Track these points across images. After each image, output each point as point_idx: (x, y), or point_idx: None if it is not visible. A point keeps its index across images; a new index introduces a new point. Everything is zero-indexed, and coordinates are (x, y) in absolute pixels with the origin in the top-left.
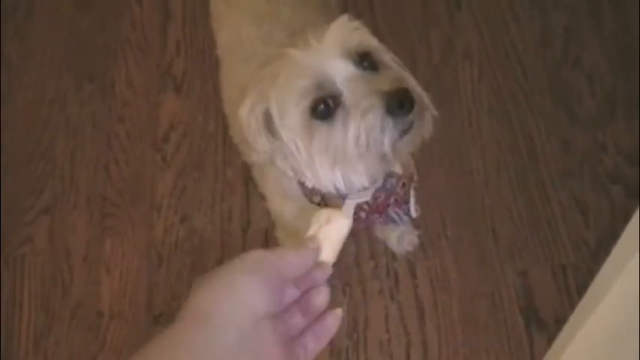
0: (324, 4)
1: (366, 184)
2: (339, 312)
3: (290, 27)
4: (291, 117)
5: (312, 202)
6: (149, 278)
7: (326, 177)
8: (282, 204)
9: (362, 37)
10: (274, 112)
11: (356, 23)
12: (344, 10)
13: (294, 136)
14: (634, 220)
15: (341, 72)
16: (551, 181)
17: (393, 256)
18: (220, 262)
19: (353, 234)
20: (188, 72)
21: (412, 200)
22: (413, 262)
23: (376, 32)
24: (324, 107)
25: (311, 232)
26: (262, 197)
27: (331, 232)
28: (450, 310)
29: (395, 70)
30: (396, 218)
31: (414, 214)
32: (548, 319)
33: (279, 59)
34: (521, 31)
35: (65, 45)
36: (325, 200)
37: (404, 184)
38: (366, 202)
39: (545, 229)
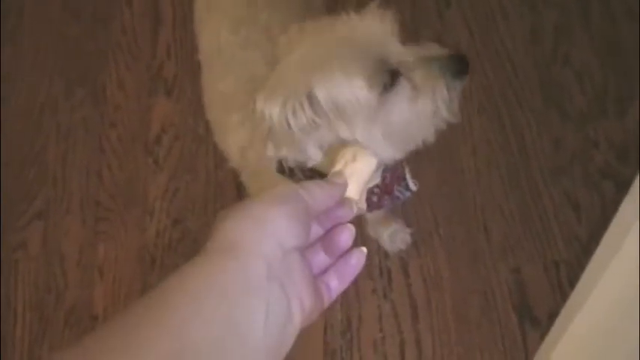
0: (305, 7)
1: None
2: (364, 250)
3: (268, 31)
4: (352, 98)
5: None
6: (143, 281)
7: (388, 150)
8: None
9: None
10: (322, 96)
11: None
12: (332, 10)
13: (354, 118)
14: (620, 214)
15: (394, 47)
16: (543, 178)
17: (386, 254)
18: None
19: None
20: (179, 75)
21: (408, 175)
22: (405, 260)
23: None
24: (386, 81)
25: (338, 167)
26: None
27: (357, 169)
28: (444, 308)
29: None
30: (400, 196)
31: (413, 187)
32: (541, 315)
33: (315, 52)
34: (510, 29)
35: (55, 50)
36: None
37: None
38: (377, 186)
39: (537, 226)
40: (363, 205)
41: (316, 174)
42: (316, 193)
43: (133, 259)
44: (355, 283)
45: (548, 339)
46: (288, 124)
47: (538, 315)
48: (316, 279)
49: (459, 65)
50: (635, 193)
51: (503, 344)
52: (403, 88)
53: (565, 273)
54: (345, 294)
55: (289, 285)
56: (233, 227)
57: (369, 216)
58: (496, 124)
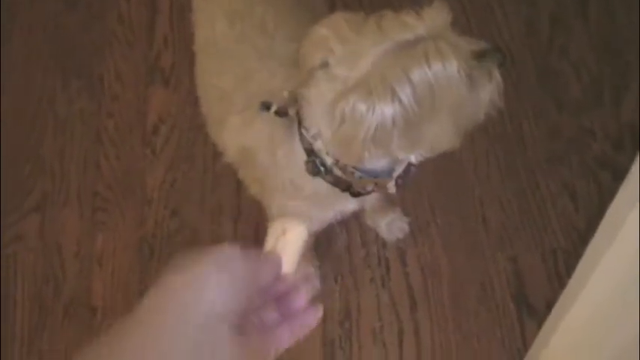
0: (300, 2)
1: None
2: (320, 309)
3: (263, 25)
4: (448, 84)
5: (365, 192)
6: (141, 272)
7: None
8: (295, 204)
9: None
10: (420, 92)
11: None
12: (331, 5)
13: (443, 105)
14: (616, 202)
15: (455, 40)
16: (540, 168)
17: (384, 244)
18: None
19: (344, 223)
20: (176, 65)
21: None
22: (403, 249)
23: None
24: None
25: (268, 246)
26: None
27: (289, 242)
28: (441, 297)
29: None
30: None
31: (415, 161)
32: (538, 304)
33: (396, 47)
34: (507, 20)
35: (52, 41)
36: (376, 185)
37: None
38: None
39: (535, 215)
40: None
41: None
42: (255, 269)
43: (131, 250)
44: (353, 272)
45: (545, 327)
46: (395, 120)
47: (535, 304)
48: (267, 332)
49: (502, 57)
50: (632, 182)
51: (500, 332)
52: (477, 79)
53: (563, 262)
54: (343, 284)
55: (219, 347)
56: (164, 291)
57: (367, 205)
58: (493, 115)
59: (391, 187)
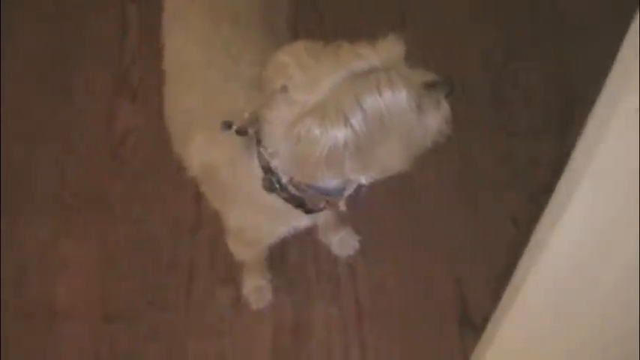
0: (267, 27)
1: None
2: None
3: (229, 50)
4: (397, 112)
5: (317, 209)
6: (102, 279)
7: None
8: (255, 218)
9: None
10: (371, 120)
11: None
12: (294, 30)
13: (392, 132)
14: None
15: (406, 71)
16: (488, 193)
17: (336, 260)
18: (171, 263)
19: (297, 238)
20: (144, 80)
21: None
22: (353, 266)
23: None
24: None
25: None
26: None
27: None
28: (388, 313)
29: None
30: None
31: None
32: (479, 321)
33: (352, 75)
34: (464, 50)
35: (25, 52)
36: (328, 203)
37: None
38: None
39: (481, 239)
40: None
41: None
42: None
43: (94, 256)
44: (305, 286)
45: (482, 342)
46: (346, 144)
47: (476, 321)
48: None
49: (450, 88)
50: (555, 202)
51: (443, 348)
52: (426, 109)
53: (504, 283)
54: (295, 297)
55: None
56: None
57: (321, 222)
58: (445, 141)
59: (342, 206)
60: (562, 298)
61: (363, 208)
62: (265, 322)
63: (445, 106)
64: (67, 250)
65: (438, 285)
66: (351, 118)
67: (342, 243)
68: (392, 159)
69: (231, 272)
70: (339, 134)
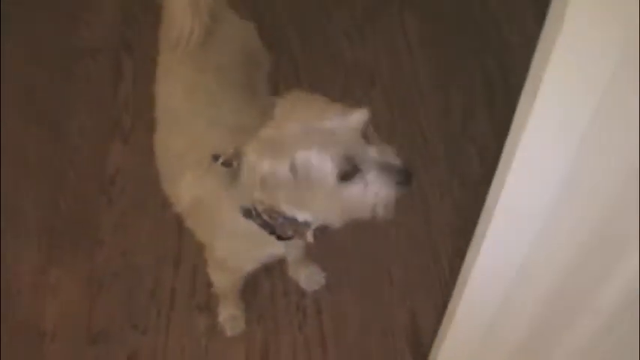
0: (248, 81)
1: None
2: None
3: (213, 99)
4: (320, 175)
5: (284, 237)
6: (89, 304)
7: (333, 219)
8: (232, 244)
9: (366, 114)
10: (300, 169)
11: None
12: (275, 86)
13: (316, 188)
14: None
15: (363, 151)
16: (442, 236)
17: (303, 293)
18: (154, 291)
19: (269, 273)
20: (135, 125)
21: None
22: (319, 299)
23: None
24: (346, 172)
25: None
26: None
27: None
28: (349, 342)
29: (382, 143)
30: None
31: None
32: (430, 345)
33: (308, 128)
34: (425, 107)
35: (24, 93)
36: (296, 232)
37: None
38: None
39: (433, 275)
40: None
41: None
42: None
43: (82, 284)
44: (274, 316)
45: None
46: (273, 178)
47: (427, 345)
48: None
49: (404, 178)
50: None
51: None
52: (357, 183)
53: None
54: (264, 326)
55: None
56: None
57: (290, 258)
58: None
59: (309, 237)
60: (487, 321)
61: (329, 247)
62: (238, 348)
63: (387, 190)
64: (57, 276)
65: (394, 315)
66: (283, 159)
67: (310, 279)
68: (320, 211)
69: (208, 301)
70: (269, 167)
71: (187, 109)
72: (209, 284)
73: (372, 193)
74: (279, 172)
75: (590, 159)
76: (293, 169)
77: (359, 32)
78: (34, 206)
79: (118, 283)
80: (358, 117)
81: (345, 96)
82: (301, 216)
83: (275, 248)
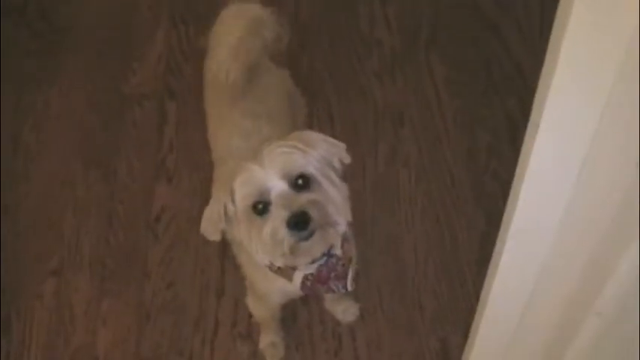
0: (292, 122)
1: (285, 266)
2: None
3: (268, 141)
4: (239, 208)
5: (272, 270)
6: (138, 332)
7: (257, 254)
8: (254, 271)
9: (301, 163)
10: (229, 207)
11: (298, 155)
12: (309, 125)
13: (241, 223)
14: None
15: (275, 187)
16: (469, 268)
17: (338, 322)
18: (198, 320)
19: (306, 303)
20: (179, 166)
21: (350, 277)
22: (354, 328)
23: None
24: (261, 207)
25: None
26: (238, 267)
27: None
28: None
29: (316, 185)
30: (335, 289)
31: (349, 288)
32: None
33: (240, 171)
34: (452, 146)
35: (76, 137)
36: (280, 270)
37: (344, 264)
38: (311, 274)
39: (462, 305)
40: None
41: None
42: None
43: (131, 314)
44: (311, 344)
45: None
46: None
47: None
48: None
49: (299, 222)
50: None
51: None
52: (267, 218)
53: None
54: (302, 352)
55: None
56: None
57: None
58: (434, 223)
59: (296, 282)
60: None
61: (362, 280)
62: None
63: (280, 232)
64: (108, 306)
65: (425, 343)
66: (231, 196)
67: (345, 312)
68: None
69: (250, 330)
70: (220, 203)
71: (244, 150)
72: (250, 314)
73: (273, 231)
74: (229, 207)
75: (590, 183)
76: (235, 206)
77: (389, 75)
78: (87, 242)
79: (165, 313)
80: (280, 157)
81: (377, 135)
82: (258, 257)
83: (288, 285)
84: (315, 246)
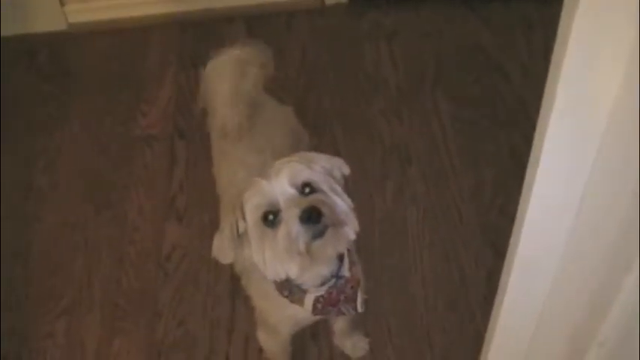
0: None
1: (300, 275)
2: None
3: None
4: (250, 224)
5: (282, 295)
6: None
7: (272, 268)
8: (264, 300)
9: (306, 173)
10: (240, 224)
11: (302, 166)
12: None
13: (253, 237)
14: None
15: (283, 195)
16: (477, 304)
17: (348, 357)
18: (209, 357)
19: (315, 339)
20: (189, 206)
21: (359, 299)
22: None
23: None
24: (272, 218)
25: None
26: (248, 304)
27: None
28: None
29: (322, 193)
30: (345, 312)
31: (359, 309)
32: None
33: (247, 186)
34: (458, 182)
35: (87, 179)
36: (291, 295)
37: (352, 287)
38: (322, 296)
39: (471, 341)
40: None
41: None
42: None
43: (142, 353)
44: None
45: None
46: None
47: None
48: None
49: (311, 215)
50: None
51: None
52: (279, 227)
53: None
54: None
55: None
56: None
57: (336, 328)
58: (443, 259)
59: (308, 304)
60: None
61: (369, 309)
62: None
63: (289, 223)
64: (120, 345)
65: None
66: (241, 212)
67: (354, 347)
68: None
69: None
70: (231, 222)
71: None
72: (261, 349)
73: (284, 231)
74: (237, 224)
75: (592, 213)
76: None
77: (395, 113)
78: (98, 282)
79: (176, 351)
80: (287, 170)
81: (384, 173)
82: (273, 272)
83: (299, 310)
84: (329, 245)
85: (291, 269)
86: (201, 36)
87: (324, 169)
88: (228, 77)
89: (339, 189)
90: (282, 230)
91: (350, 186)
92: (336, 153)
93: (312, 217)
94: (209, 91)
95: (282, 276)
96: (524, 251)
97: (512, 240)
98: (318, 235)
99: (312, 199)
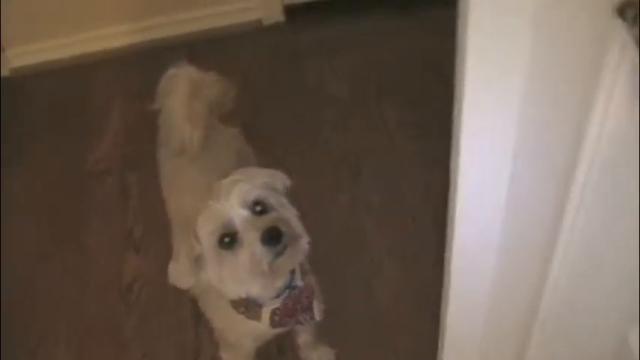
0: None
1: (262, 293)
2: None
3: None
4: (206, 247)
5: (239, 312)
6: None
7: (232, 288)
8: (222, 320)
9: (254, 191)
10: (196, 248)
11: (249, 186)
12: None
13: (209, 260)
14: None
15: (239, 218)
16: (440, 304)
17: None
18: None
19: (282, 354)
20: (145, 236)
21: (315, 308)
22: None
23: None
24: (228, 240)
25: None
26: (207, 322)
27: None
28: None
29: (276, 211)
30: (304, 321)
31: (317, 317)
32: None
33: (199, 211)
34: (410, 187)
35: (44, 216)
36: (247, 310)
37: (307, 296)
38: (278, 309)
39: (436, 342)
40: None
41: None
42: None
43: None
44: None
45: None
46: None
47: None
48: None
49: (272, 236)
50: None
51: None
52: (237, 249)
53: None
54: None
55: None
56: None
57: (300, 341)
58: (401, 263)
59: (265, 318)
60: None
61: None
62: None
63: (251, 246)
64: None
65: None
66: (196, 237)
67: (321, 359)
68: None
69: None
70: (186, 249)
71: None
72: None
73: (247, 251)
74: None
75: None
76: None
77: (342, 125)
78: (64, 314)
79: None
80: (237, 190)
81: (334, 185)
82: (233, 292)
83: (257, 325)
84: (289, 260)
85: (252, 288)
86: (143, 67)
87: (266, 184)
88: (185, 93)
89: (284, 201)
90: (244, 253)
91: (303, 200)
92: (285, 170)
93: (272, 237)
94: (166, 105)
95: (243, 295)
96: (460, 247)
97: (447, 235)
98: (280, 253)
99: (270, 219)
